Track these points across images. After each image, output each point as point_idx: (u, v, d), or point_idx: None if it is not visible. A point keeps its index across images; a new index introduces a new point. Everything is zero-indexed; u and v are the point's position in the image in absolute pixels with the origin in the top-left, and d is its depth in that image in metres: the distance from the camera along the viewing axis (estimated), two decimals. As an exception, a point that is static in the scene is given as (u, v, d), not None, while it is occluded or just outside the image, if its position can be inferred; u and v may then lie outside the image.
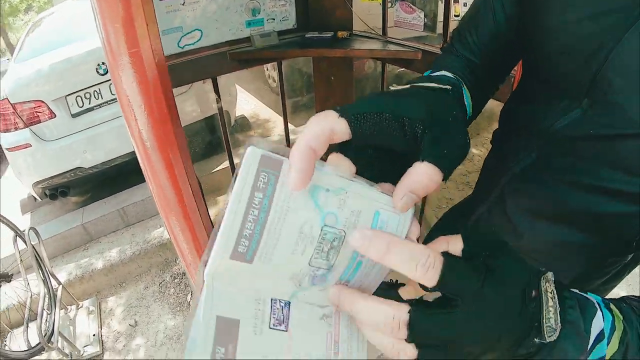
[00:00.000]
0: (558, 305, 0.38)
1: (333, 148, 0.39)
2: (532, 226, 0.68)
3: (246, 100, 5.33)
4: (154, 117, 0.62)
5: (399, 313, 0.36)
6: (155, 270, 2.89)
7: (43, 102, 3.02)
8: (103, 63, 2.99)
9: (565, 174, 0.63)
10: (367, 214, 0.37)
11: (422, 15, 1.93)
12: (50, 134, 3.09)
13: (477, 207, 0.81)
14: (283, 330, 0.38)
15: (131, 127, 0.64)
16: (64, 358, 2.32)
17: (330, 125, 0.37)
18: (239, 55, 2.01)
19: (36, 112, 3.03)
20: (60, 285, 2.51)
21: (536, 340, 0.37)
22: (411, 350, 0.37)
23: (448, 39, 1.78)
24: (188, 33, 1.97)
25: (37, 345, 2.10)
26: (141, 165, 0.70)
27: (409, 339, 0.36)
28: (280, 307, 0.38)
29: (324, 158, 0.37)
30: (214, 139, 3.67)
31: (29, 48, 3.62)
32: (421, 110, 0.39)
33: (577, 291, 0.42)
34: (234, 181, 0.33)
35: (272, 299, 0.38)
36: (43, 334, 2.05)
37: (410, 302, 0.37)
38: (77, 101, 3.08)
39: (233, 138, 3.11)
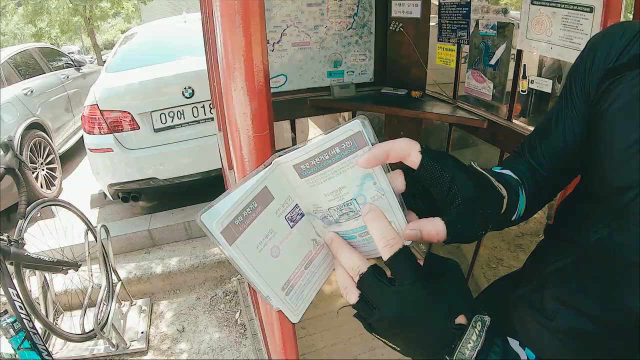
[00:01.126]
0: (480, 345, 0.46)
1: (403, 166, 0.53)
2: (562, 314, 0.75)
3: (315, 134, 5.52)
4: (257, 144, 0.74)
5: (362, 266, 0.49)
6: (209, 284, 3.07)
7: (129, 113, 3.32)
8: (190, 87, 3.27)
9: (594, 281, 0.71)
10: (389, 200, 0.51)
11: (491, 85, 2.03)
12: (131, 143, 3.38)
13: (521, 286, 0.91)
14: (289, 226, 0.52)
15: (236, 151, 0.76)
16: (111, 347, 2.52)
17: (410, 151, 0.50)
18: (318, 103, 2.19)
19: (122, 121, 3.34)
20: (120, 282, 2.73)
21: (447, 357, 0.46)
22: (355, 295, 0.51)
23: (512, 114, 1.88)
24: (274, 77, 2.18)
25: (90, 331, 2.31)
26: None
27: (357, 286, 0.50)
28: (297, 212, 0.53)
29: (393, 167, 0.53)
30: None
31: (120, 60, 3.98)
32: (469, 189, 0.52)
33: (513, 347, 0.52)
34: (330, 130, 0.47)
35: (296, 204, 0.53)
36: (97, 323, 2.25)
37: (374, 265, 0.50)
38: (160, 118, 3.36)
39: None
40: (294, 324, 0.64)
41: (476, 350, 0.47)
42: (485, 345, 0.48)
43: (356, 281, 0.50)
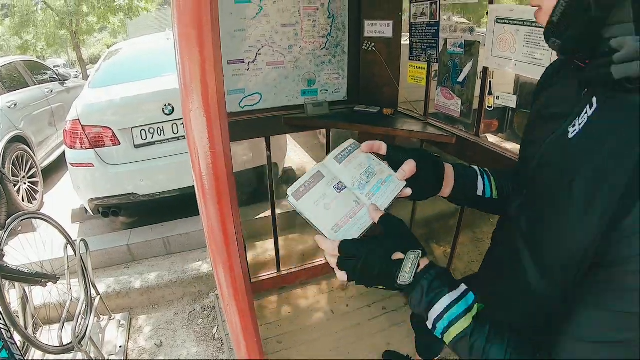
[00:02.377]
0: (414, 270, 0.75)
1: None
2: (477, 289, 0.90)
3: (295, 151, 5.57)
4: (214, 161, 0.80)
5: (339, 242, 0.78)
6: (188, 299, 3.09)
7: (110, 129, 3.35)
8: (170, 104, 3.31)
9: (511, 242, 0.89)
10: (384, 174, 0.92)
11: (459, 102, 2.10)
12: (112, 158, 3.40)
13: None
14: (336, 192, 0.87)
15: (195, 167, 0.81)
16: (89, 361, 2.51)
17: (381, 146, 0.94)
18: (292, 121, 2.25)
19: (103, 136, 3.37)
20: (99, 296, 2.73)
21: (398, 282, 0.75)
22: (334, 263, 0.78)
23: (480, 130, 1.96)
24: (249, 95, 2.23)
25: (68, 344, 2.30)
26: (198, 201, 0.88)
27: (339, 248, 0.77)
28: (342, 185, 0.89)
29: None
30: (261, 188, 3.80)
31: (103, 75, 4.02)
32: (414, 163, 0.92)
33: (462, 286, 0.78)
34: (343, 143, 0.96)
35: (339, 181, 0.89)
36: (76, 336, 2.25)
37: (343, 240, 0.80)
38: (141, 134, 3.40)
39: (279, 189, 3.31)
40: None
41: (413, 273, 0.75)
42: (422, 271, 0.76)
43: (337, 246, 0.77)
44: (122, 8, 15.78)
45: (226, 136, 0.83)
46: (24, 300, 2.53)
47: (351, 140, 0.95)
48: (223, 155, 0.80)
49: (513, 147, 2.25)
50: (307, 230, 3.20)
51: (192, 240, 3.31)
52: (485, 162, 1.87)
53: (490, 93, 2.00)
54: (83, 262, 2.57)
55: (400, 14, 2.28)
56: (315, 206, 0.84)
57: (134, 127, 3.37)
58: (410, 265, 0.74)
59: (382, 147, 0.94)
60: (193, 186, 0.88)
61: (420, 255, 0.76)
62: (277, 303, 2.61)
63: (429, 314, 0.75)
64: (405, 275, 0.74)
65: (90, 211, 3.66)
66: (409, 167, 0.90)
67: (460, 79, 2.09)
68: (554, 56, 1.45)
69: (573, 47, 0.70)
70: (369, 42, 2.34)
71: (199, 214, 0.88)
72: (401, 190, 0.90)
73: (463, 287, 0.78)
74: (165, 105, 3.31)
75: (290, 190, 0.85)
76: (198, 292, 3.11)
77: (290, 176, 4.38)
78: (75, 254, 2.54)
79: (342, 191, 0.88)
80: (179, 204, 3.41)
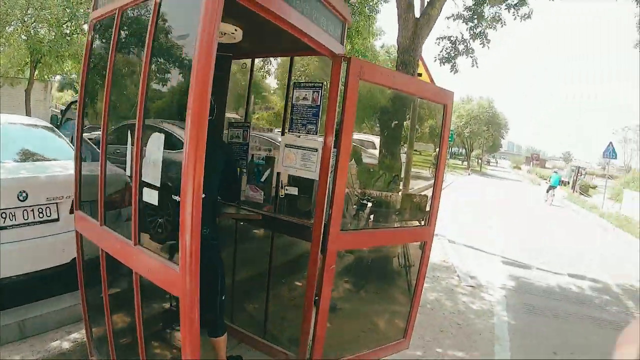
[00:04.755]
0: None
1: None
2: None
3: None
4: None
5: None
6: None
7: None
8: (24, 191, 3.39)
9: None
10: None
11: (262, 194, 3.22)
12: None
13: None
14: None
15: None
16: None
17: None
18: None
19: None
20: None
21: None
22: None
23: (277, 210, 3.10)
24: None
25: None
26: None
27: None
28: None
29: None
30: None
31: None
32: None
33: None
34: None
35: None
36: None
37: None
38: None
39: None
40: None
41: None
42: None
43: None
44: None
45: None
46: None
47: None
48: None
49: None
50: None
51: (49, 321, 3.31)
52: (283, 230, 3.03)
53: (282, 187, 3.18)
54: None
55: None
56: None
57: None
58: None
59: None
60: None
61: None
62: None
63: None
64: None
65: None
66: None
67: (263, 179, 3.24)
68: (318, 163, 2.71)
69: None
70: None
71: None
72: None
73: None
74: (20, 192, 3.39)
75: None
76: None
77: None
78: None
79: None
80: (29, 288, 3.42)
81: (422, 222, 3.49)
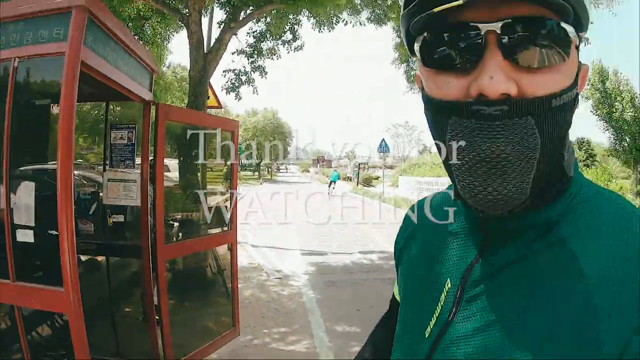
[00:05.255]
0: None
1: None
2: None
3: None
4: None
5: None
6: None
7: None
8: None
9: None
10: None
11: (93, 225, 3.64)
12: None
13: None
14: None
15: None
16: None
17: None
18: None
19: None
20: None
21: None
22: None
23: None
24: None
25: None
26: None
27: None
28: None
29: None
30: None
31: None
32: None
33: None
34: None
35: None
36: None
37: None
38: None
39: None
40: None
41: None
42: None
43: None
44: None
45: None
46: None
47: None
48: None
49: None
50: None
51: None
52: (117, 253, 3.59)
53: (109, 216, 3.66)
54: None
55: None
56: None
57: None
58: None
59: None
60: None
61: None
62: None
63: None
64: None
65: None
66: None
67: (91, 212, 3.66)
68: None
69: None
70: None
71: None
72: None
73: None
74: None
75: None
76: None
77: None
78: None
79: None
80: None
81: (226, 228, 4.06)
